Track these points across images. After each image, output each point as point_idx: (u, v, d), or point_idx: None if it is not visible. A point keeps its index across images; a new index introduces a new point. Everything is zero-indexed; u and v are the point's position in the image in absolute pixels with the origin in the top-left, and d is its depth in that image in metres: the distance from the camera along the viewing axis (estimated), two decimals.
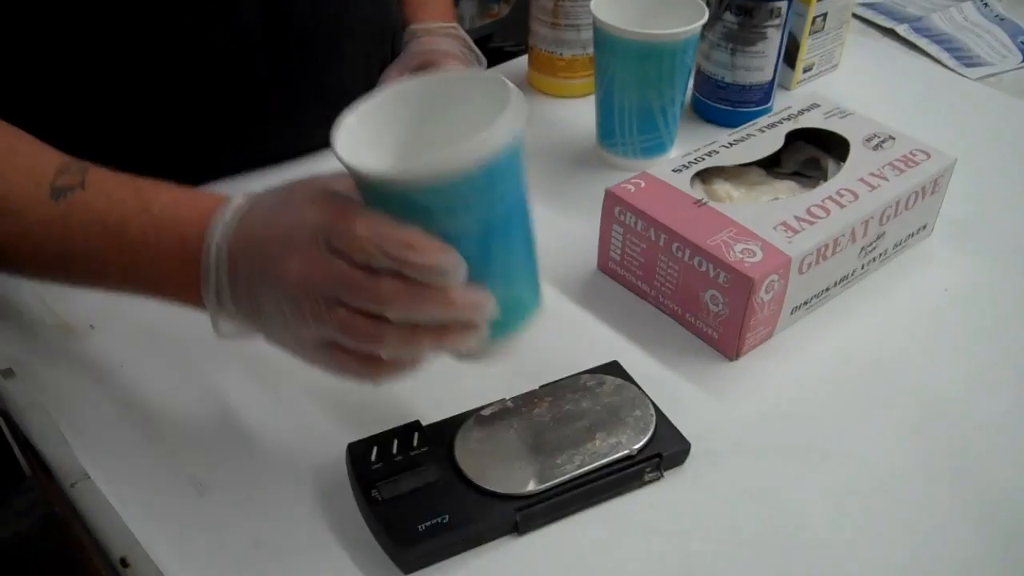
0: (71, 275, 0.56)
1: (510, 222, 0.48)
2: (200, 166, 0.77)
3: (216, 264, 0.50)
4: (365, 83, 0.81)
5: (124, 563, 0.50)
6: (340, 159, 0.45)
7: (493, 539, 0.52)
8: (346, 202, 0.48)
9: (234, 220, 0.51)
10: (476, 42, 0.98)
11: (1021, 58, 1.00)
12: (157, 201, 0.53)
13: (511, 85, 0.47)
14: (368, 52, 0.84)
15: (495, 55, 1.01)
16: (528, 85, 0.94)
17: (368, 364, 0.49)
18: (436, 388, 0.60)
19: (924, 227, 0.73)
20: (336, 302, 0.46)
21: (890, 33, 1.06)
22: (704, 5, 0.76)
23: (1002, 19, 1.07)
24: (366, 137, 0.48)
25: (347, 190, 0.49)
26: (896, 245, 0.71)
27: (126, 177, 0.55)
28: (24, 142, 0.57)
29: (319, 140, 0.83)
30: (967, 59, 1.00)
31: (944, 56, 1.00)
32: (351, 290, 0.46)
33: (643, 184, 0.67)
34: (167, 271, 0.52)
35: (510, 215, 0.47)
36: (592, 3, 0.77)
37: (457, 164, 0.43)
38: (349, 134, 0.47)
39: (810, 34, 0.90)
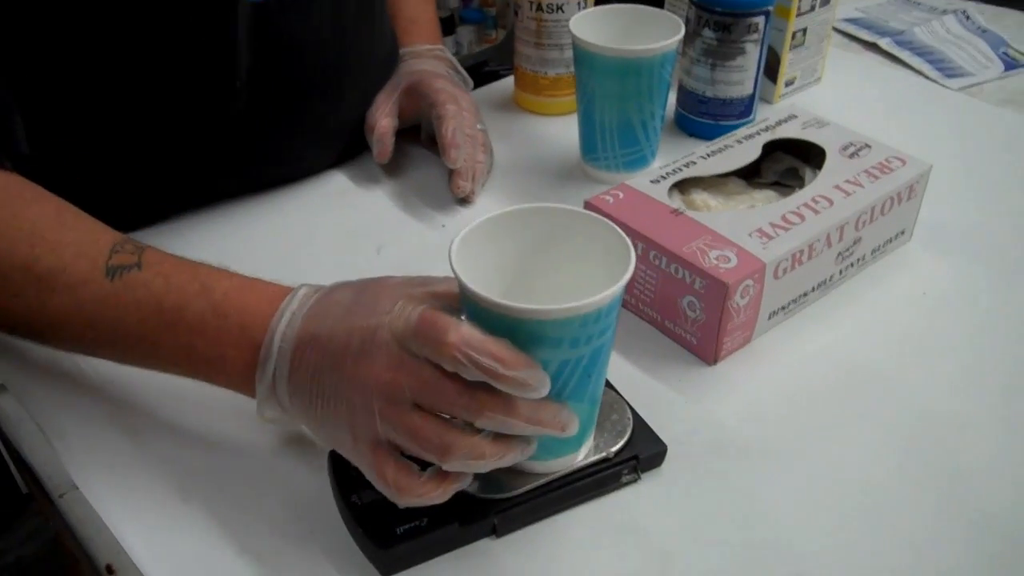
0: (121, 354, 0.57)
1: (602, 353, 0.50)
2: (195, 192, 0.79)
3: (278, 352, 0.51)
4: (362, 116, 0.83)
5: (110, 570, 0.51)
6: (461, 281, 0.47)
7: (471, 541, 0.53)
8: (431, 307, 0.48)
9: (301, 310, 0.52)
10: (473, 67, 1.01)
11: (1003, 68, 1.01)
12: (219, 287, 0.54)
13: (622, 233, 0.50)
14: (367, 89, 0.85)
15: (489, 78, 1.03)
16: (514, 104, 0.96)
17: (412, 477, 0.48)
18: None
19: (902, 232, 0.74)
20: (414, 407, 0.47)
21: (873, 47, 1.07)
22: (681, 22, 0.78)
23: (984, 31, 1.08)
24: (474, 251, 0.50)
25: (423, 295, 0.50)
26: (874, 251, 0.72)
27: (186, 261, 0.56)
28: (72, 215, 0.57)
29: (317, 169, 0.85)
30: (949, 70, 1.01)
31: (926, 67, 1.02)
32: (441, 395, 0.47)
33: (621, 195, 0.68)
34: (222, 355, 0.53)
35: (604, 347, 0.50)
36: (571, 22, 0.78)
37: (591, 308, 0.46)
38: (461, 254, 0.49)
39: (790, 48, 0.91)
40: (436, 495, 0.48)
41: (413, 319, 0.47)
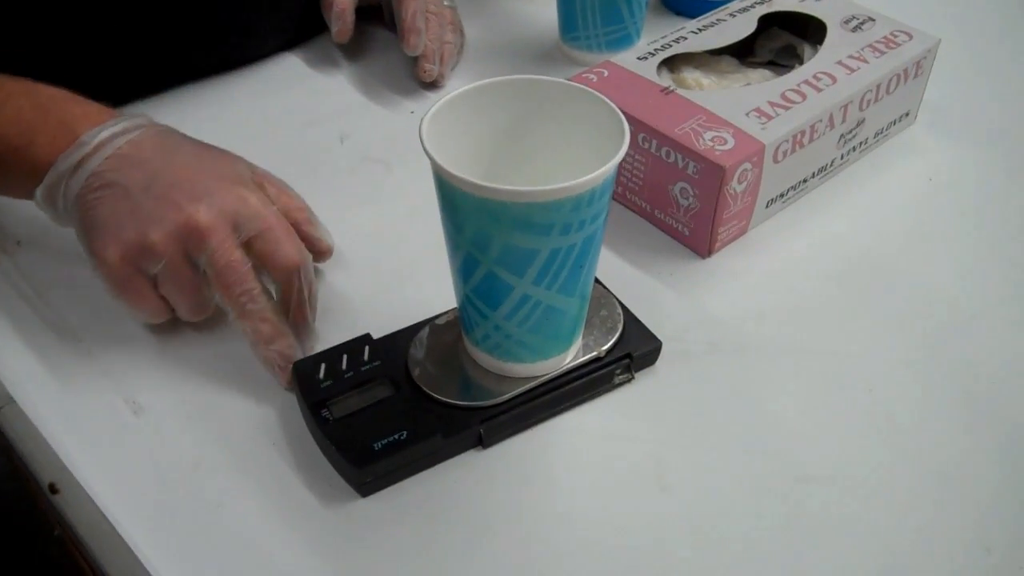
0: None
1: (595, 240, 0.45)
2: (147, 76, 0.72)
3: (96, 147, 0.50)
4: None
5: (53, 489, 0.47)
6: (436, 163, 0.42)
7: (455, 454, 0.48)
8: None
9: (142, 127, 0.52)
10: None
11: None
12: (45, 92, 0.52)
13: (614, 106, 0.45)
14: None
15: None
16: None
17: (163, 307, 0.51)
18: (386, 298, 0.57)
19: (907, 114, 0.69)
20: (191, 262, 0.49)
21: None
22: None
23: None
24: (448, 129, 0.45)
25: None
26: (877, 134, 0.67)
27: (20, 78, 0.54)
28: None
29: (270, 49, 0.78)
30: None
31: None
32: (233, 273, 0.49)
33: (606, 73, 0.63)
34: (31, 142, 0.50)
35: (596, 233, 0.45)
36: None
37: (584, 188, 0.41)
38: (432, 132, 0.44)
39: None
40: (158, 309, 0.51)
41: (263, 214, 0.50)
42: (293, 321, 0.52)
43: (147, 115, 0.54)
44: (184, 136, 0.54)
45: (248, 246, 0.50)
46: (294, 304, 0.51)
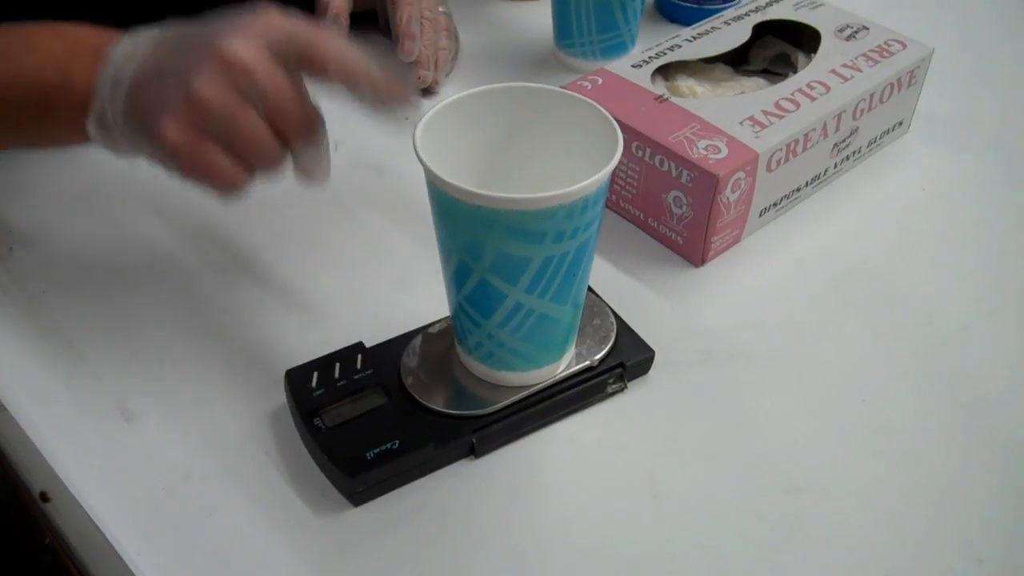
0: None
1: (588, 248, 0.45)
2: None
3: (128, 52, 0.48)
4: None
5: (44, 498, 0.46)
6: (429, 171, 0.42)
7: (448, 464, 0.48)
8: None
9: (159, 28, 0.49)
10: None
11: None
12: (70, 28, 0.51)
13: (607, 114, 0.45)
14: None
15: None
16: None
17: (231, 168, 0.47)
18: (378, 307, 0.56)
19: (900, 124, 0.69)
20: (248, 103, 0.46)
21: None
22: None
23: None
24: (441, 137, 0.45)
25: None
26: (870, 143, 0.67)
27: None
28: None
29: None
30: None
31: None
32: (289, 103, 0.46)
33: (600, 81, 0.63)
34: (69, 78, 0.49)
35: (589, 241, 0.45)
36: None
37: (577, 196, 0.41)
38: (426, 139, 0.44)
39: None
40: (237, 175, 0.47)
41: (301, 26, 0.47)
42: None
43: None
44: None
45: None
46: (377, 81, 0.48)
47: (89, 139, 0.51)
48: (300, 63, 0.47)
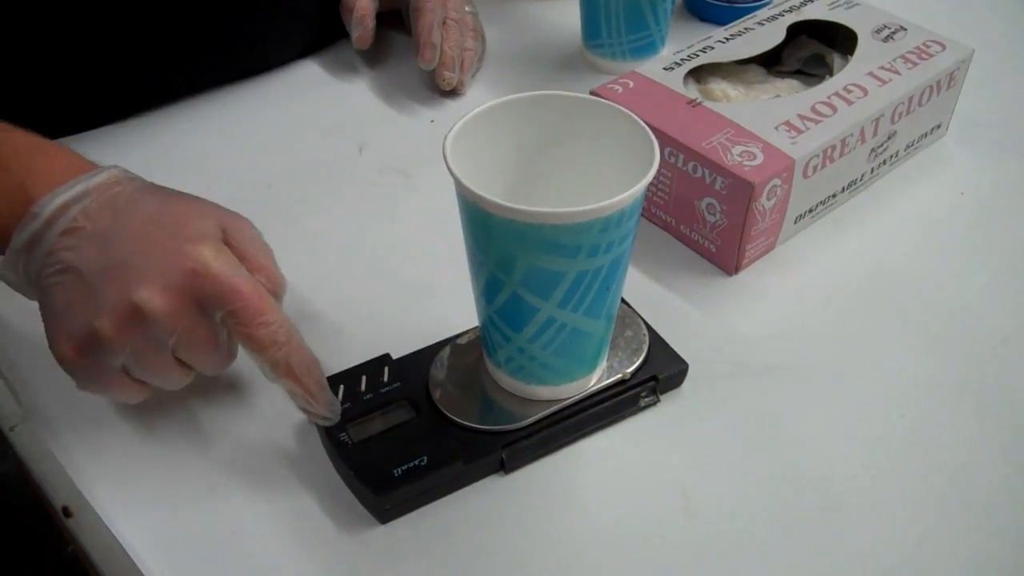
0: None
1: (622, 262, 0.44)
2: (163, 85, 0.71)
3: (49, 217, 0.44)
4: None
5: (67, 512, 0.46)
6: (460, 183, 0.41)
7: (477, 480, 0.47)
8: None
9: (99, 191, 0.45)
10: None
11: None
12: (10, 142, 0.47)
13: (643, 124, 0.44)
14: None
15: None
16: None
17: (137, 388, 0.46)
18: (405, 315, 0.55)
19: (938, 126, 0.67)
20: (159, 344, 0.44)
21: None
22: None
23: None
24: (471, 146, 0.43)
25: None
26: (908, 147, 0.65)
27: None
28: None
29: (288, 56, 0.76)
30: None
31: None
32: (200, 348, 0.45)
33: (631, 84, 0.61)
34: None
35: (624, 255, 0.44)
36: None
37: (613, 210, 0.40)
38: (456, 150, 0.42)
39: None
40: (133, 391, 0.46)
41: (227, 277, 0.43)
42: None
43: (117, 166, 0.48)
44: (147, 189, 0.47)
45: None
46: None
47: None
48: (219, 312, 0.44)
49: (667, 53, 0.66)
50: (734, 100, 0.63)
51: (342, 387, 0.48)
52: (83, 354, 0.44)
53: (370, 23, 0.73)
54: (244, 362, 0.52)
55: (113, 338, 0.43)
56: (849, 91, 0.60)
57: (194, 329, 0.44)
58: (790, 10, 0.68)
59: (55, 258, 0.44)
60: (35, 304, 0.46)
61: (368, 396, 0.48)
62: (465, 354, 0.50)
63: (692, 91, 0.62)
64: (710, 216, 0.57)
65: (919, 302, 0.57)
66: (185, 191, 0.49)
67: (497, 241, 0.41)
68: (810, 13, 0.68)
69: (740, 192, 0.54)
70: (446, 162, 0.41)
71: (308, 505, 0.46)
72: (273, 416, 0.50)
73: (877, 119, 0.60)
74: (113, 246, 0.44)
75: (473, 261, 0.45)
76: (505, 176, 0.46)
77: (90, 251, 0.44)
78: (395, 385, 0.48)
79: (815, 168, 0.57)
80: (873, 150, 0.61)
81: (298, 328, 0.50)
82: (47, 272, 0.44)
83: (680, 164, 0.57)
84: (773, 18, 0.67)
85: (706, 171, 0.56)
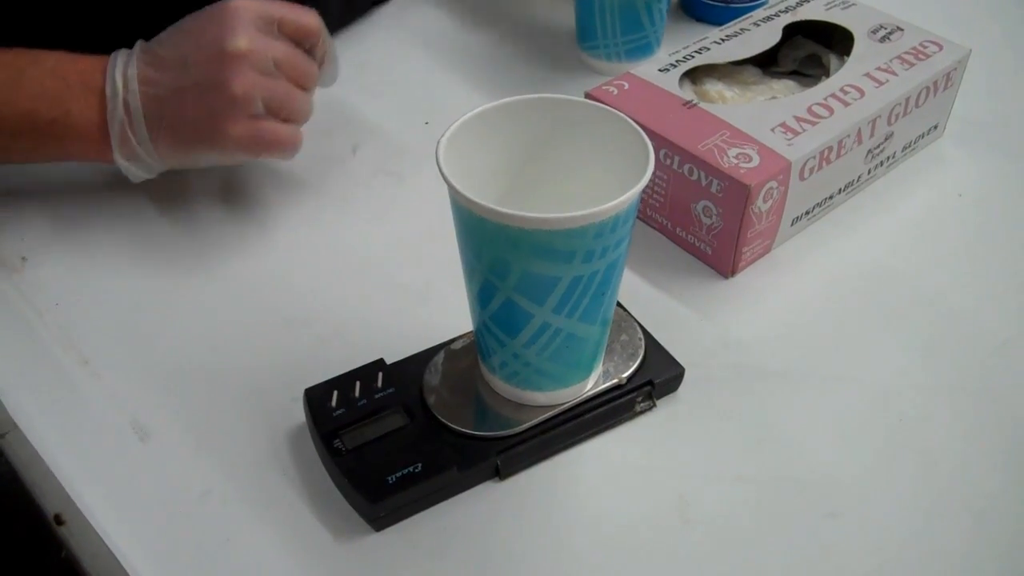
0: None
1: (617, 267, 0.44)
2: None
3: (124, 81, 0.53)
4: None
5: (59, 520, 0.45)
6: (453, 188, 0.40)
7: (472, 486, 0.47)
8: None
9: (137, 51, 0.55)
10: None
11: None
12: (49, 58, 0.55)
13: (638, 128, 0.43)
14: None
15: None
16: None
17: (287, 129, 0.56)
18: (399, 319, 0.55)
19: (935, 127, 0.67)
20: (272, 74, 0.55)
21: None
22: None
23: None
24: (465, 151, 0.43)
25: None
26: (905, 148, 0.65)
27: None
28: None
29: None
30: None
31: None
32: (297, 61, 0.56)
33: (626, 86, 0.61)
34: (67, 112, 0.54)
35: (619, 260, 0.43)
36: None
37: (607, 215, 0.40)
38: (449, 155, 0.42)
39: None
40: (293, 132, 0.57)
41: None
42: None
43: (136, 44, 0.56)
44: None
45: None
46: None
47: (94, 157, 0.56)
48: (283, 30, 0.56)
49: (662, 54, 0.65)
50: (730, 101, 0.63)
51: (336, 393, 0.48)
52: (245, 122, 0.54)
53: None
54: (237, 364, 0.52)
55: (248, 89, 0.53)
56: (845, 92, 0.60)
57: (280, 49, 0.55)
58: (786, 10, 0.68)
59: (152, 99, 0.54)
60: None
61: (362, 402, 0.47)
62: (459, 359, 0.50)
63: (688, 92, 0.61)
64: (706, 218, 0.57)
65: (916, 304, 0.56)
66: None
67: (491, 246, 0.41)
68: (806, 13, 0.67)
69: (736, 194, 0.54)
70: (439, 167, 0.41)
71: (302, 512, 0.46)
72: (266, 421, 0.50)
73: (874, 120, 0.59)
74: (179, 46, 0.54)
75: (467, 266, 0.44)
76: (499, 180, 0.46)
77: (170, 71, 0.54)
78: (389, 391, 0.48)
79: (811, 170, 0.57)
80: (870, 151, 0.61)
81: (291, 332, 0.50)
82: (152, 110, 0.54)
83: (676, 166, 0.57)
84: (769, 19, 0.67)
85: (702, 173, 0.55)
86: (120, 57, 0.54)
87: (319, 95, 0.74)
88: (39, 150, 0.56)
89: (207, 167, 0.61)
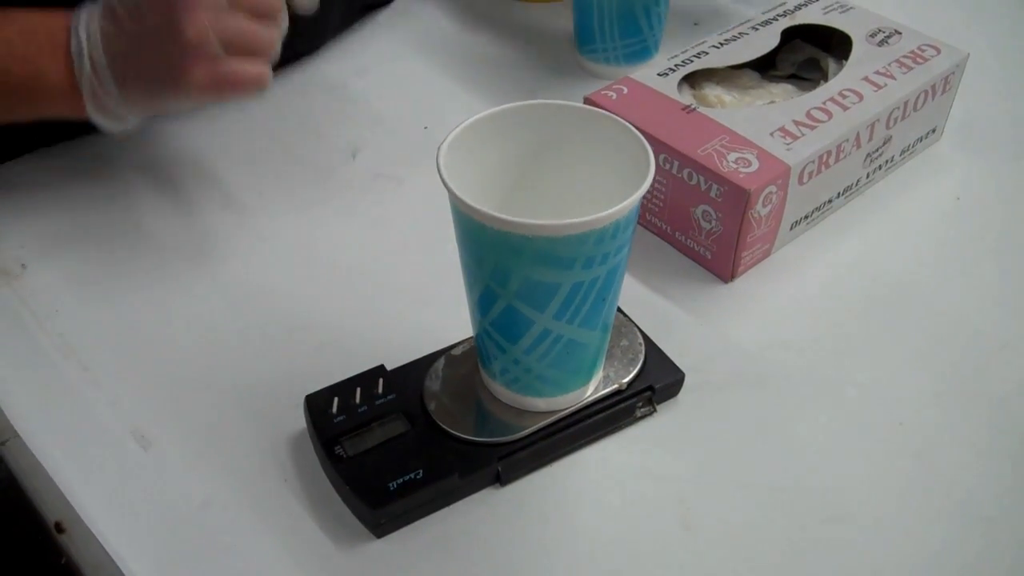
0: None
1: (618, 273, 0.44)
2: None
3: (88, 34, 0.52)
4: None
5: (59, 528, 0.45)
6: (454, 195, 0.40)
7: (473, 492, 0.47)
8: None
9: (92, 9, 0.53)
10: None
11: None
12: (16, 17, 0.54)
13: (638, 133, 0.43)
14: None
15: None
16: None
17: (252, 67, 0.54)
18: (399, 324, 0.55)
19: (933, 131, 0.67)
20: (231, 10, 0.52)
21: None
22: None
23: None
24: (465, 157, 0.43)
25: None
26: (903, 151, 0.65)
27: None
28: None
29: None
30: None
31: None
32: None
33: (625, 90, 0.61)
34: (38, 70, 0.53)
35: (619, 266, 0.43)
36: None
37: (608, 222, 0.40)
38: (450, 161, 0.42)
39: None
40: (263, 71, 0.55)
41: None
42: None
43: None
44: None
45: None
46: None
47: (68, 113, 0.55)
48: None
49: (661, 58, 0.65)
50: (729, 105, 0.63)
51: (336, 399, 0.48)
52: (204, 65, 0.51)
53: None
54: (238, 370, 0.52)
55: (202, 29, 0.51)
56: (844, 96, 0.60)
57: None
58: (784, 15, 0.68)
59: (115, 50, 0.53)
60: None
61: (363, 408, 0.47)
62: (460, 365, 0.50)
63: (686, 97, 0.62)
64: (705, 223, 0.57)
65: (916, 308, 0.57)
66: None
67: (491, 253, 0.41)
68: (804, 17, 0.68)
69: (736, 199, 0.54)
70: (440, 174, 0.41)
71: (303, 519, 0.46)
72: (267, 428, 0.50)
73: (872, 124, 0.59)
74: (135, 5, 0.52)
75: (467, 272, 0.44)
76: (499, 186, 0.46)
77: (127, 22, 0.52)
78: (390, 397, 0.48)
79: (810, 174, 0.57)
80: (868, 155, 0.61)
81: (291, 339, 0.50)
82: (116, 62, 0.53)
83: (675, 171, 0.57)
84: (767, 23, 0.67)
85: (701, 178, 0.55)
86: (83, 13, 0.54)
87: (319, 95, 0.74)
88: (14, 110, 0.56)
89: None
